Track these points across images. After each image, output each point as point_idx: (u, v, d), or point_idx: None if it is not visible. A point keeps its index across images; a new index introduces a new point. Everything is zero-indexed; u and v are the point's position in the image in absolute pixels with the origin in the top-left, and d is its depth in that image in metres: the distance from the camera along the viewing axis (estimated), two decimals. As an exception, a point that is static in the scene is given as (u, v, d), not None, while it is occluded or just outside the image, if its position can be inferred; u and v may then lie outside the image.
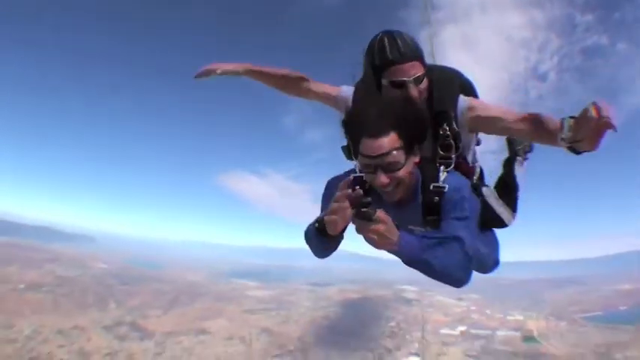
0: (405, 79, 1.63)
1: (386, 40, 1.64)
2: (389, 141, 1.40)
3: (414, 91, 1.64)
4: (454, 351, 62.60)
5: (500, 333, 63.50)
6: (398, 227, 1.34)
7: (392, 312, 71.76)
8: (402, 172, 1.45)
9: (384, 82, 1.66)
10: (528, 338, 62.61)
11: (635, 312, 67.72)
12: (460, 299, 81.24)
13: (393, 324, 69.24)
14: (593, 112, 1.24)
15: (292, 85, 1.97)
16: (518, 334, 63.68)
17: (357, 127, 1.47)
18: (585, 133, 1.28)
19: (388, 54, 1.62)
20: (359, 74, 1.90)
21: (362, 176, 1.50)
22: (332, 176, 1.80)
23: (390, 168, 1.43)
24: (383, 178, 1.44)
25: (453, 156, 1.68)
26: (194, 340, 66.27)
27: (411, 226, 1.67)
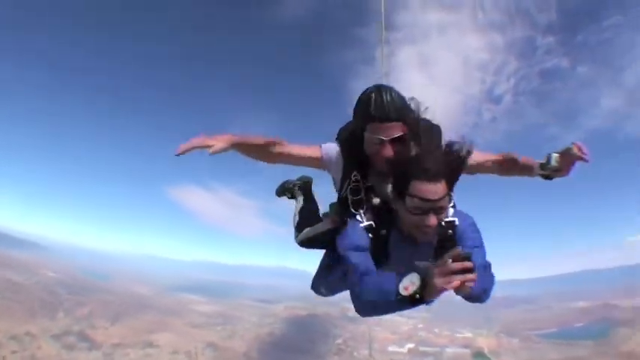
0: (382, 137, 1.78)
1: (373, 96, 1.79)
2: (443, 187, 1.58)
3: (388, 151, 1.79)
4: None
5: (449, 350, 64.13)
6: (410, 263, 1.67)
7: (339, 330, 72.19)
8: (444, 215, 1.65)
9: (366, 135, 1.84)
10: (478, 354, 63.14)
11: (591, 328, 67.91)
12: (408, 317, 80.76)
13: (339, 341, 69.60)
14: (575, 149, 1.74)
15: (270, 154, 1.98)
16: (467, 350, 64.28)
17: (413, 169, 1.60)
18: (565, 165, 1.80)
19: (372, 111, 1.78)
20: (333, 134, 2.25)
21: (370, 224, 1.81)
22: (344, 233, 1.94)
23: (440, 212, 1.62)
24: (434, 220, 1.61)
25: (452, 194, 1.77)
26: (141, 352, 65.07)
27: (418, 261, 1.80)
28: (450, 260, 1.36)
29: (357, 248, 1.77)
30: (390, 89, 1.79)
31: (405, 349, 67.60)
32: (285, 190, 3.10)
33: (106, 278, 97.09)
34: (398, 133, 1.77)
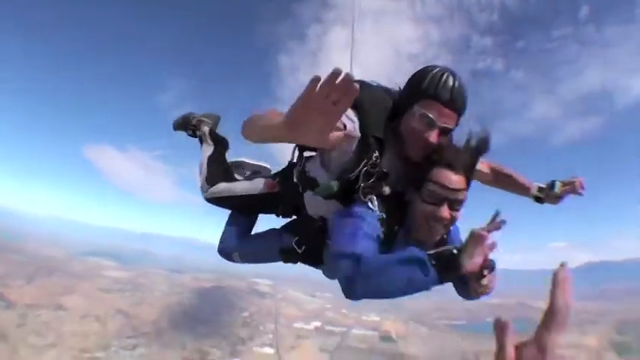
0: (438, 122, 1.59)
1: (444, 75, 1.60)
2: (465, 180, 1.57)
3: (435, 136, 1.60)
4: (308, 344, 64.74)
5: (355, 331, 65.92)
6: None
7: (245, 303, 74.38)
8: (460, 213, 1.59)
9: (416, 109, 1.60)
10: (386, 338, 65.08)
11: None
12: (314, 296, 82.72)
13: (246, 314, 71.56)
14: (577, 184, 1.94)
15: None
16: (375, 333, 65.75)
17: (441, 157, 1.56)
18: (564, 194, 1.94)
19: (438, 89, 1.58)
20: None
21: (383, 216, 1.59)
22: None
23: (457, 205, 1.57)
24: (446, 213, 1.54)
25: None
26: (52, 314, 73.07)
27: None
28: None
29: (371, 238, 1.50)
30: (458, 75, 1.63)
31: (311, 327, 69.95)
32: (186, 125, 2.71)
33: (18, 239, 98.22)
34: (452, 125, 1.62)
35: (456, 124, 1.64)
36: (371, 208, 1.59)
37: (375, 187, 1.62)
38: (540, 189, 2.04)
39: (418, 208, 1.58)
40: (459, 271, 1.25)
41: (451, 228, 1.67)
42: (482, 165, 2.04)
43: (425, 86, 1.58)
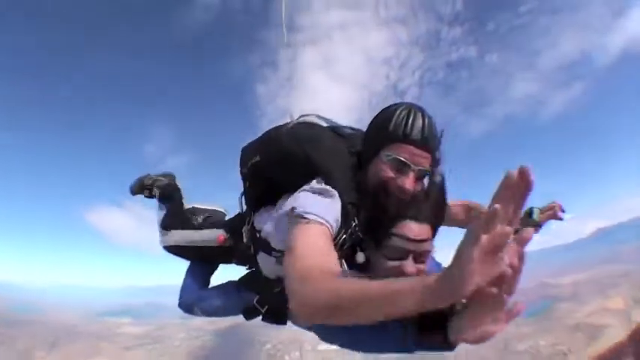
0: (413, 165, 1.44)
1: (406, 113, 1.48)
2: (429, 230, 1.41)
3: (410, 182, 1.45)
4: None
5: None
6: None
7: (266, 336, 75.39)
8: (424, 266, 1.41)
9: (385, 155, 1.47)
10: None
11: (529, 307, 68.63)
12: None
13: (269, 347, 72.39)
14: (557, 208, 1.85)
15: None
16: None
17: (402, 207, 1.39)
18: (544, 221, 1.84)
19: (404, 129, 1.45)
20: None
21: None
22: None
23: (423, 257, 1.40)
24: (412, 268, 1.36)
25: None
26: None
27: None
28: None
29: None
30: (425, 111, 1.51)
31: (335, 346, 68.37)
32: (143, 188, 2.71)
33: (33, 311, 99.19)
34: (427, 166, 1.48)
35: (432, 166, 1.48)
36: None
37: (349, 256, 1.48)
38: (521, 219, 1.68)
39: (381, 267, 1.40)
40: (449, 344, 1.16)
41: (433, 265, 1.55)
42: (454, 206, 1.94)
43: (392, 128, 1.45)
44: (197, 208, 2.57)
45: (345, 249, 1.46)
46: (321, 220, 1.33)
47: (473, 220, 1.71)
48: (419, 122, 1.44)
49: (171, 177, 2.79)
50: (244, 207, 2.02)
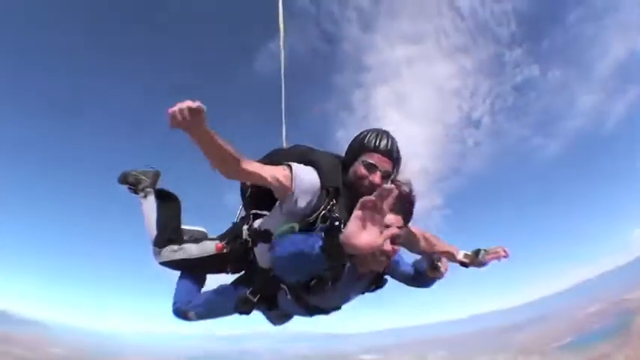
0: (379, 167, 2.03)
1: (387, 135, 2.12)
2: (400, 219, 1.88)
3: (378, 178, 2.02)
4: None
5: None
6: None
7: None
8: (399, 247, 1.96)
9: (361, 160, 2.07)
10: None
11: (608, 327, 67.82)
12: (424, 358, 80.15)
13: None
14: (501, 252, 2.32)
15: (232, 163, 1.79)
16: None
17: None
18: (488, 260, 2.31)
19: (376, 143, 2.07)
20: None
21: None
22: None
23: (397, 240, 1.86)
24: (389, 247, 1.81)
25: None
26: None
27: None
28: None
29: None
30: (390, 133, 2.16)
31: None
32: (126, 182, 2.83)
33: (113, 355, 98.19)
34: (390, 169, 2.08)
35: (393, 171, 2.10)
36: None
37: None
38: (466, 255, 2.41)
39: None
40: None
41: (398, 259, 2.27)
42: (416, 231, 2.38)
43: (366, 142, 2.07)
44: (183, 229, 2.72)
45: (329, 222, 1.85)
46: (289, 165, 2.01)
47: (429, 248, 2.41)
48: (384, 139, 2.09)
49: (155, 175, 2.84)
50: (243, 213, 2.53)
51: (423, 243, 2.41)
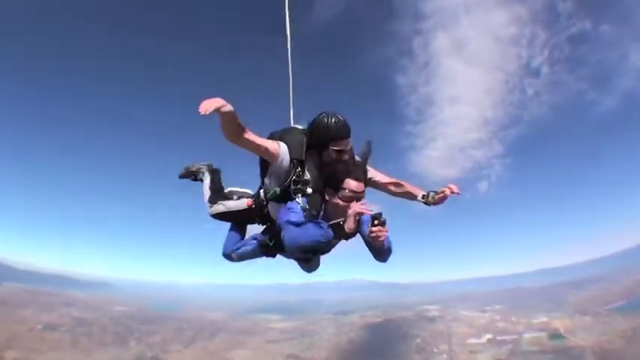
0: (346, 149, 2.85)
1: (339, 119, 2.82)
2: (364, 184, 2.80)
3: (346, 155, 2.87)
4: (482, 357, 65.77)
5: (526, 335, 68.92)
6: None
7: (416, 330, 76.63)
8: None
9: (332, 148, 2.82)
10: (555, 336, 68.02)
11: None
12: (483, 311, 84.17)
13: (418, 340, 73.95)
14: (448, 192, 3.03)
15: (239, 134, 2.64)
16: (544, 334, 68.27)
17: (349, 172, 2.74)
18: (440, 200, 3.08)
19: (341, 131, 2.81)
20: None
21: (305, 206, 2.78)
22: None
23: (361, 200, 2.73)
24: (358, 207, 2.64)
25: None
26: None
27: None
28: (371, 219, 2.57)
29: (297, 213, 2.74)
30: (338, 114, 2.88)
31: (483, 340, 71.96)
32: (189, 173, 3.93)
33: (176, 308, 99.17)
34: (350, 145, 2.91)
35: (350, 142, 2.89)
36: (297, 202, 2.79)
37: (299, 190, 2.82)
38: (423, 196, 3.17)
39: (338, 205, 2.74)
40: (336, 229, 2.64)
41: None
42: (383, 178, 3.28)
43: (332, 134, 2.77)
44: (233, 190, 3.76)
45: (298, 186, 2.82)
46: (278, 143, 2.91)
47: (398, 192, 3.29)
48: (341, 123, 2.80)
49: (210, 164, 3.97)
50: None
51: (392, 187, 3.27)
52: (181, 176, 3.92)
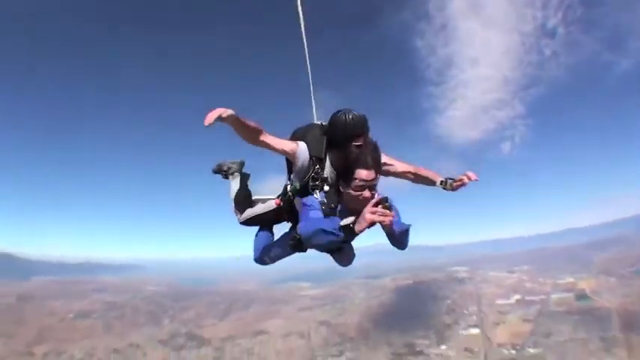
0: (362, 144, 2.84)
1: (356, 116, 2.88)
2: (375, 172, 2.74)
3: (364, 148, 2.83)
4: (511, 318, 68.81)
5: (554, 296, 70.25)
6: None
7: (446, 292, 77.83)
8: (376, 192, 2.80)
9: (351, 144, 2.85)
10: (581, 297, 69.50)
11: None
12: (511, 272, 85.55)
13: (449, 302, 75.33)
14: (466, 180, 3.04)
15: (255, 138, 2.77)
16: (571, 294, 69.89)
17: (360, 161, 2.72)
18: (458, 187, 3.09)
19: (359, 127, 2.86)
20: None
21: (323, 200, 2.88)
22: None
23: (373, 189, 2.76)
24: (369, 194, 2.71)
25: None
26: (253, 341, 70.81)
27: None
28: (375, 202, 2.53)
29: (316, 208, 2.82)
30: (354, 111, 2.91)
31: (512, 301, 73.61)
32: (220, 170, 4.00)
33: (209, 283, 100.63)
34: (366, 135, 2.90)
35: (367, 131, 2.94)
36: (315, 197, 2.90)
37: (317, 186, 2.96)
38: (441, 182, 3.18)
39: (351, 195, 2.77)
40: (353, 232, 2.59)
41: (394, 214, 2.79)
42: (399, 165, 3.34)
43: (349, 132, 2.84)
44: (260, 198, 3.77)
45: (316, 183, 2.96)
46: (296, 142, 3.05)
47: (416, 178, 3.34)
48: (359, 120, 2.85)
49: (241, 163, 4.02)
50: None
51: (409, 175, 3.32)
52: (214, 172, 4.01)
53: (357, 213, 2.68)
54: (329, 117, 3.04)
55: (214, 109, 2.40)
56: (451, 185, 3.09)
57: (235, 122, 2.53)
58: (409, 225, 2.95)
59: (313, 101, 3.76)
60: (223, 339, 70.04)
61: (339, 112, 2.93)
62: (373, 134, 2.99)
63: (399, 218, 2.95)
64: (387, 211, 2.52)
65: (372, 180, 2.71)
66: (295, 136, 3.18)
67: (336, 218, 2.76)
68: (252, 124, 2.66)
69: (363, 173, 2.69)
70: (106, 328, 70.48)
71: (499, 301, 72.86)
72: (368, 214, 2.50)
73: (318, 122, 3.35)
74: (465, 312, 71.03)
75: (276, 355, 67.73)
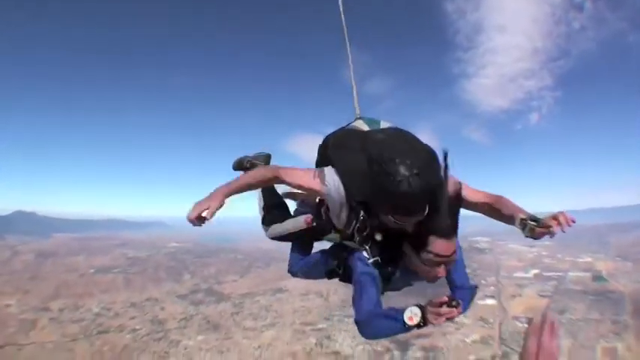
0: (406, 224, 1.96)
1: (413, 191, 1.76)
2: (454, 243, 2.02)
3: (409, 228, 2.01)
4: (528, 292, 71.64)
5: (571, 274, 72.19)
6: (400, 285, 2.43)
7: (467, 261, 76.28)
8: (452, 265, 2.19)
9: (393, 219, 1.92)
10: (598, 278, 71.95)
11: None
12: (532, 246, 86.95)
13: (468, 271, 74.03)
14: (555, 229, 1.91)
15: (271, 182, 2.42)
16: (588, 274, 72.40)
17: (433, 227, 1.95)
18: (541, 235, 1.97)
19: (412, 208, 1.86)
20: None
21: (377, 259, 2.20)
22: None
23: (450, 264, 2.11)
24: (443, 272, 2.09)
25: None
26: (271, 298, 72.04)
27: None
28: (440, 303, 1.86)
29: (370, 281, 2.19)
30: (415, 169, 1.78)
31: (530, 275, 75.48)
32: (241, 167, 3.42)
33: (232, 241, 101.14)
34: (422, 217, 1.93)
35: (434, 203, 1.93)
36: (367, 257, 2.20)
37: (366, 241, 2.19)
38: (522, 221, 2.07)
39: (418, 266, 2.08)
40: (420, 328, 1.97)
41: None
42: (478, 196, 2.39)
43: (397, 208, 1.85)
44: (287, 192, 3.12)
45: (364, 236, 2.17)
46: (322, 171, 2.21)
47: (494, 214, 2.34)
48: (415, 196, 1.78)
49: (266, 158, 3.39)
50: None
51: (487, 208, 2.37)
52: (234, 168, 3.45)
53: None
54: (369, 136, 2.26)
55: (197, 203, 2.03)
56: (532, 231, 2.01)
57: (236, 193, 2.18)
58: (475, 292, 2.52)
59: (355, 91, 3.09)
60: (242, 295, 71.75)
61: (391, 161, 1.79)
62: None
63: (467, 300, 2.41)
64: (453, 311, 1.86)
65: (450, 255, 2.01)
66: (327, 155, 2.33)
67: (399, 312, 1.94)
68: (254, 179, 2.26)
69: (441, 245, 1.95)
70: (126, 283, 71.48)
71: (517, 274, 74.43)
72: (431, 318, 1.86)
73: (360, 126, 2.56)
74: (484, 282, 72.61)
75: (294, 313, 69.85)
